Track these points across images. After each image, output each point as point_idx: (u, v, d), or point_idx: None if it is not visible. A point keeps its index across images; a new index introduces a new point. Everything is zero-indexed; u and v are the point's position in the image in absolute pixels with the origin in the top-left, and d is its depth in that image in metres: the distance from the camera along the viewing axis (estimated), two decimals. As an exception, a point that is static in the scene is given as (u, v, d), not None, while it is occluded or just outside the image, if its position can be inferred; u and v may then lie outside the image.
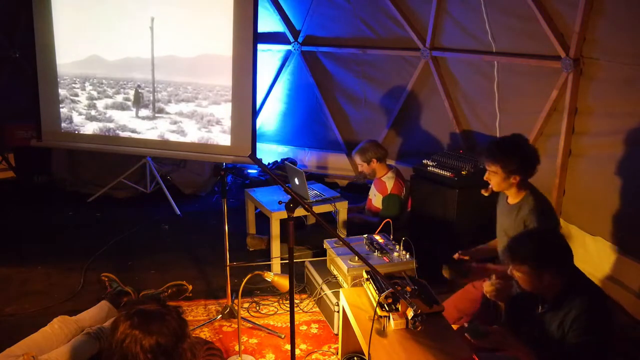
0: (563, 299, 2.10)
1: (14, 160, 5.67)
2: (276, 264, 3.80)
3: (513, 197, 2.88)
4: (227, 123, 4.76)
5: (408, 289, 2.44)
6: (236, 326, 2.95)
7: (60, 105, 5.06)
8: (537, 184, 4.15)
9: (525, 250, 2.10)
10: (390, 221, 3.19)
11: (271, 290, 3.59)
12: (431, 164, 3.88)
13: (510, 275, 2.20)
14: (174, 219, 4.88)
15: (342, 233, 3.98)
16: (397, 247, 3.13)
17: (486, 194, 3.00)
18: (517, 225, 2.80)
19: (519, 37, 4.00)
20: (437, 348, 2.22)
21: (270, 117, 6.03)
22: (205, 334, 3.15)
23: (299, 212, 3.63)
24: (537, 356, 2.08)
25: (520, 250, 2.11)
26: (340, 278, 3.22)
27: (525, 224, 2.75)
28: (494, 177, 2.81)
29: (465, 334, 2.18)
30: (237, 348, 2.92)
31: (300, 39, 5.51)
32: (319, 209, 3.89)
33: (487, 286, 2.44)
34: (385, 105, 5.39)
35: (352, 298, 2.64)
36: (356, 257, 2.96)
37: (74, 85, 5.03)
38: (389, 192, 4.09)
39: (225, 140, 4.80)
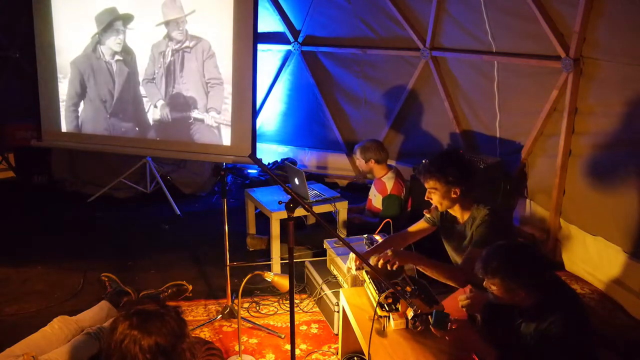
0: (538, 312, 2.08)
1: (14, 160, 5.67)
2: (276, 264, 3.80)
3: (461, 216, 2.76)
4: (227, 123, 4.76)
5: (408, 289, 2.44)
6: (236, 326, 2.95)
7: (60, 105, 5.05)
8: (537, 184, 4.18)
9: (496, 263, 2.08)
10: (390, 221, 3.19)
11: (271, 290, 3.59)
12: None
13: (486, 288, 2.19)
14: (174, 219, 4.88)
15: (342, 233, 3.98)
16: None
17: (428, 215, 2.91)
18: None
19: (519, 37, 4.00)
20: (437, 348, 2.22)
21: (270, 117, 6.03)
22: (205, 334, 3.15)
23: (299, 212, 3.64)
24: (500, 358, 2.07)
25: (491, 263, 2.10)
26: (340, 278, 3.22)
27: (478, 231, 2.63)
28: (435, 195, 2.70)
29: (430, 326, 2.18)
30: (237, 348, 2.92)
31: (300, 39, 5.51)
32: (319, 209, 3.89)
33: (462, 300, 2.44)
34: (385, 105, 5.40)
35: (352, 298, 2.64)
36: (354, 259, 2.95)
37: (74, 84, 5.03)
38: (388, 193, 4.09)
39: (225, 140, 4.80)
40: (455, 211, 2.76)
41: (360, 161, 4.22)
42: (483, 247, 2.49)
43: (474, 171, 2.76)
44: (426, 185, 2.73)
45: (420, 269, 2.66)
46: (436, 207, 2.77)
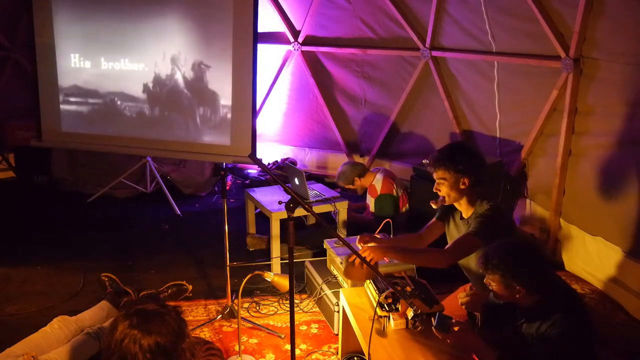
0: (540, 312, 2.07)
1: (14, 160, 5.67)
2: (276, 264, 3.80)
3: (466, 210, 2.69)
4: (227, 123, 4.76)
5: (408, 289, 2.44)
6: (236, 326, 2.95)
7: (60, 105, 5.06)
8: (537, 184, 4.18)
9: (496, 260, 2.08)
10: (390, 221, 3.18)
11: (271, 290, 3.59)
12: (428, 162, 3.86)
13: (487, 286, 2.18)
14: (174, 219, 4.88)
15: (342, 233, 3.98)
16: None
17: (435, 207, 2.84)
18: None
19: (519, 37, 4.00)
20: (437, 348, 2.22)
21: (270, 117, 6.03)
22: (205, 334, 3.15)
23: (299, 212, 3.64)
24: (500, 358, 2.08)
25: (492, 260, 2.09)
26: (340, 278, 3.22)
27: (475, 221, 2.58)
28: (443, 186, 2.65)
29: (433, 328, 2.18)
30: (237, 348, 2.92)
31: (300, 39, 5.51)
32: (319, 209, 3.89)
33: (462, 297, 2.43)
34: (385, 105, 5.39)
35: (352, 298, 2.64)
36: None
37: (74, 85, 5.02)
38: (379, 193, 4.10)
39: (225, 140, 4.80)
40: (461, 206, 2.71)
41: (349, 187, 4.36)
42: (475, 236, 2.50)
43: (483, 161, 2.72)
44: (435, 176, 2.68)
45: (399, 260, 2.65)
46: (443, 199, 2.71)
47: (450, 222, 2.86)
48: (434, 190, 2.72)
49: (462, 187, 2.63)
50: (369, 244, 2.64)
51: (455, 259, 2.59)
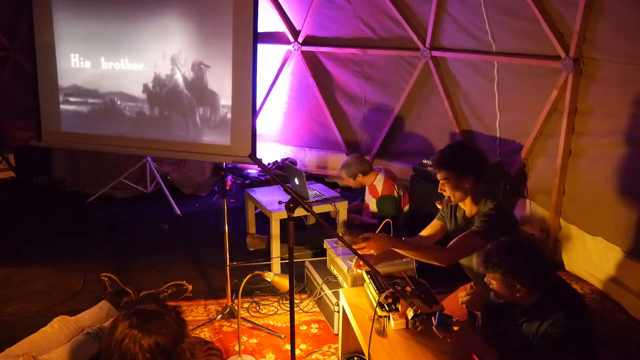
0: (540, 311, 2.07)
1: (14, 160, 5.68)
2: (276, 264, 3.81)
3: (470, 209, 2.68)
4: (227, 123, 4.76)
5: (408, 289, 2.44)
6: (236, 326, 2.95)
7: (60, 105, 5.06)
8: (537, 184, 4.18)
9: (497, 259, 2.07)
10: (390, 221, 3.18)
11: (271, 290, 3.59)
12: (431, 163, 3.87)
13: (487, 285, 2.18)
14: (174, 219, 4.88)
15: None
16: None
17: (441, 207, 2.83)
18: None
19: (519, 37, 4.00)
20: (437, 348, 2.22)
21: (270, 117, 6.03)
22: (205, 334, 3.15)
23: (299, 212, 3.64)
24: (500, 358, 2.07)
25: (493, 258, 2.08)
26: (340, 278, 3.22)
27: (478, 220, 2.57)
28: (447, 186, 2.64)
29: (433, 327, 2.17)
30: (237, 348, 2.92)
31: (300, 39, 5.51)
32: (319, 209, 3.89)
33: (462, 296, 2.43)
34: (385, 105, 5.39)
35: (352, 298, 2.64)
36: (356, 257, 2.94)
37: (74, 85, 5.02)
38: (380, 194, 4.10)
39: (225, 140, 4.80)
40: (466, 205, 2.70)
41: (348, 180, 4.27)
42: (478, 235, 2.49)
43: (485, 158, 2.71)
44: (438, 177, 2.68)
45: (401, 251, 2.60)
46: (448, 199, 2.70)
47: (453, 222, 2.85)
48: (439, 191, 2.71)
49: (466, 186, 2.62)
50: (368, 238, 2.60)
51: (456, 257, 2.59)
